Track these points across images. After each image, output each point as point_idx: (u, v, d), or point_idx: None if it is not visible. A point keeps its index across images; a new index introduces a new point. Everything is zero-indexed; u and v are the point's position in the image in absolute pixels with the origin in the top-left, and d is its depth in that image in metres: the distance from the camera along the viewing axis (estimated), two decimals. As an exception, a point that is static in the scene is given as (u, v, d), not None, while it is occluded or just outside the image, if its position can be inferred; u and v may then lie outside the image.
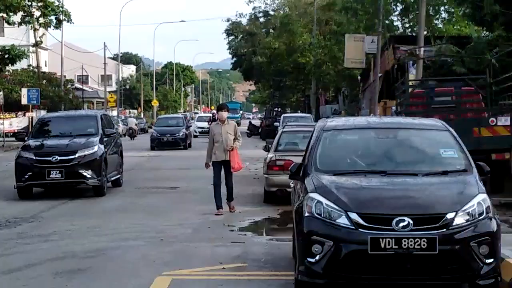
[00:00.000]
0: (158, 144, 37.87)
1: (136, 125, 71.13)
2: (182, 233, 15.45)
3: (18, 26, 29.88)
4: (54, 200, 21.12)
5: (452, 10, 45.83)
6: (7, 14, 25.93)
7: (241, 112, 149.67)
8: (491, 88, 21.79)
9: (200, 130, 59.43)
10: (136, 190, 24.46)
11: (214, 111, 54.76)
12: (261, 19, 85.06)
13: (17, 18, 26.74)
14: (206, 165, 17.93)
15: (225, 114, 17.27)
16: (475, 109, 20.48)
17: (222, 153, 16.90)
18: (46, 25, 29.47)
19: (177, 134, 35.42)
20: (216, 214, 16.54)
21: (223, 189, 18.03)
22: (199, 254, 12.92)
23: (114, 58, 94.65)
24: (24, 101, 49.88)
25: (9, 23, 28.75)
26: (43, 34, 47.55)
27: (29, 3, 25.46)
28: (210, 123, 41.05)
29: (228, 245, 13.82)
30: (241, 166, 18.02)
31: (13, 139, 48.15)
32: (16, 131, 48.92)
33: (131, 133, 65.72)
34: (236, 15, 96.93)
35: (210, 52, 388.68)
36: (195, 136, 58.10)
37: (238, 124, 59.07)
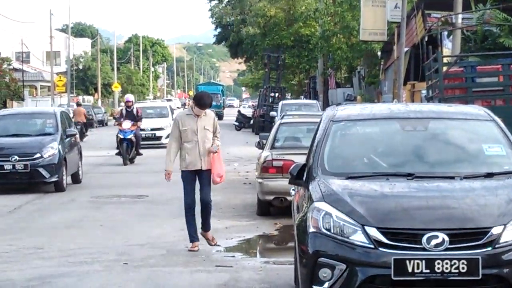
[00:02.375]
0: None
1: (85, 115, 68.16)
2: (152, 255, 15.38)
3: None
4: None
5: None
6: None
7: (223, 98, 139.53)
8: None
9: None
10: (92, 200, 24.18)
11: (129, 98, 43.91)
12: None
13: None
14: (167, 174, 16.14)
15: (203, 110, 15.78)
16: None
17: (197, 159, 15.49)
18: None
19: (38, 156, 22.27)
20: (190, 250, 15.60)
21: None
22: (174, 283, 13.02)
23: (64, 30, 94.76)
24: None
25: None
26: None
27: None
28: (119, 122, 36.63)
29: (212, 270, 13.87)
30: (220, 180, 16.25)
31: None
32: None
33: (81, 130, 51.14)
34: None
35: (187, 22, 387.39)
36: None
37: (221, 117, 55.13)
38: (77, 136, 28.62)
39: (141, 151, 37.97)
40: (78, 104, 44.48)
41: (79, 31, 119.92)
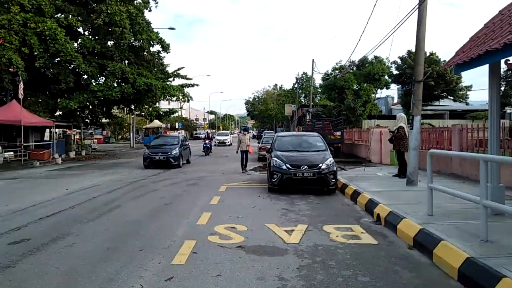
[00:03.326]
0: (150, 162, 17.25)
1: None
2: (229, 171, 14.85)
3: (174, 101, 29.89)
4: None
5: (321, 95, 47.67)
6: (171, 98, 26.28)
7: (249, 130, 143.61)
8: (334, 122, 21.85)
9: (218, 141, 37.63)
10: (215, 157, 23.14)
11: (208, 131, 34.95)
12: (256, 99, 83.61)
13: (174, 99, 26.76)
14: (237, 152, 15.42)
15: (246, 133, 15.34)
16: (329, 129, 20.31)
17: (245, 147, 14.64)
18: (184, 101, 29.49)
19: (169, 153, 17.21)
20: (241, 172, 14.56)
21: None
22: (236, 178, 12.51)
23: (207, 112, 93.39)
24: (176, 126, 55.76)
25: (171, 100, 28.96)
26: (183, 103, 48.81)
27: (178, 94, 25.33)
28: (204, 140, 26.04)
29: (246, 175, 13.45)
30: (251, 151, 15.62)
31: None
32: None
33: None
34: (248, 97, 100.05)
35: (240, 110, 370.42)
36: (215, 145, 35.52)
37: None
38: (189, 144, 19.93)
39: (213, 148, 28.86)
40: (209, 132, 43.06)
41: (211, 112, 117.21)
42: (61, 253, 4.97)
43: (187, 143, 19.53)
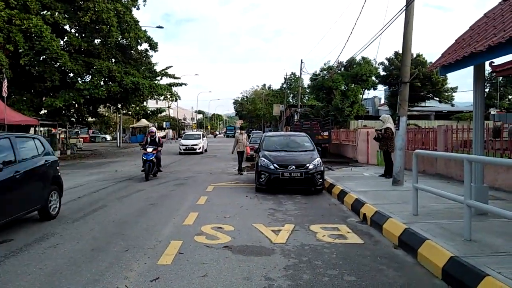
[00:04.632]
0: None
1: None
2: (218, 171, 14.68)
3: (162, 100, 29.53)
4: (177, 159, 20.33)
5: (309, 96, 47.05)
6: (159, 97, 25.99)
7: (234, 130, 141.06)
8: (322, 122, 21.94)
9: (184, 147, 25.44)
10: (204, 155, 22.86)
11: (153, 129, 13.18)
12: (245, 98, 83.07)
13: (161, 98, 26.47)
14: (232, 152, 14.79)
15: (243, 132, 15.11)
16: (317, 129, 20.32)
17: (242, 147, 14.24)
18: (171, 100, 29.24)
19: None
20: (236, 173, 14.22)
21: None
22: (224, 178, 12.48)
23: (195, 111, 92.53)
24: (164, 126, 56.25)
25: (159, 99, 28.62)
26: (171, 103, 47.70)
27: (165, 93, 25.10)
28: (144, 147, 12.60)
29: (234, 175, 13.39)
30: (249, 152, 15.57)
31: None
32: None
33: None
34: (236, 97, 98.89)
35: (227, 107, 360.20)
36: (180, 153, 25.21)
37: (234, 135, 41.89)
38: (53, 162, 6.95)
39: (185, 156, 22.87)
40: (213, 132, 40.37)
41: (199, 112, 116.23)
42: (44, 253, 4.89)
43: (47, 159, 6.94)
